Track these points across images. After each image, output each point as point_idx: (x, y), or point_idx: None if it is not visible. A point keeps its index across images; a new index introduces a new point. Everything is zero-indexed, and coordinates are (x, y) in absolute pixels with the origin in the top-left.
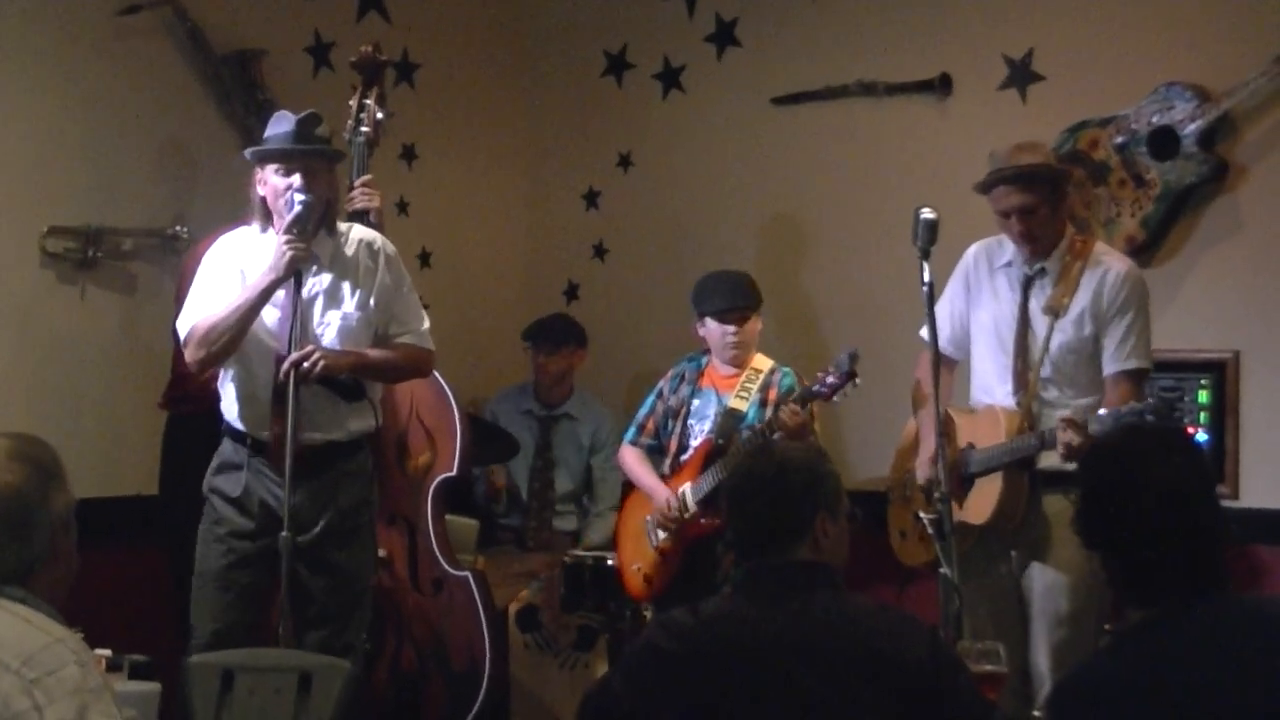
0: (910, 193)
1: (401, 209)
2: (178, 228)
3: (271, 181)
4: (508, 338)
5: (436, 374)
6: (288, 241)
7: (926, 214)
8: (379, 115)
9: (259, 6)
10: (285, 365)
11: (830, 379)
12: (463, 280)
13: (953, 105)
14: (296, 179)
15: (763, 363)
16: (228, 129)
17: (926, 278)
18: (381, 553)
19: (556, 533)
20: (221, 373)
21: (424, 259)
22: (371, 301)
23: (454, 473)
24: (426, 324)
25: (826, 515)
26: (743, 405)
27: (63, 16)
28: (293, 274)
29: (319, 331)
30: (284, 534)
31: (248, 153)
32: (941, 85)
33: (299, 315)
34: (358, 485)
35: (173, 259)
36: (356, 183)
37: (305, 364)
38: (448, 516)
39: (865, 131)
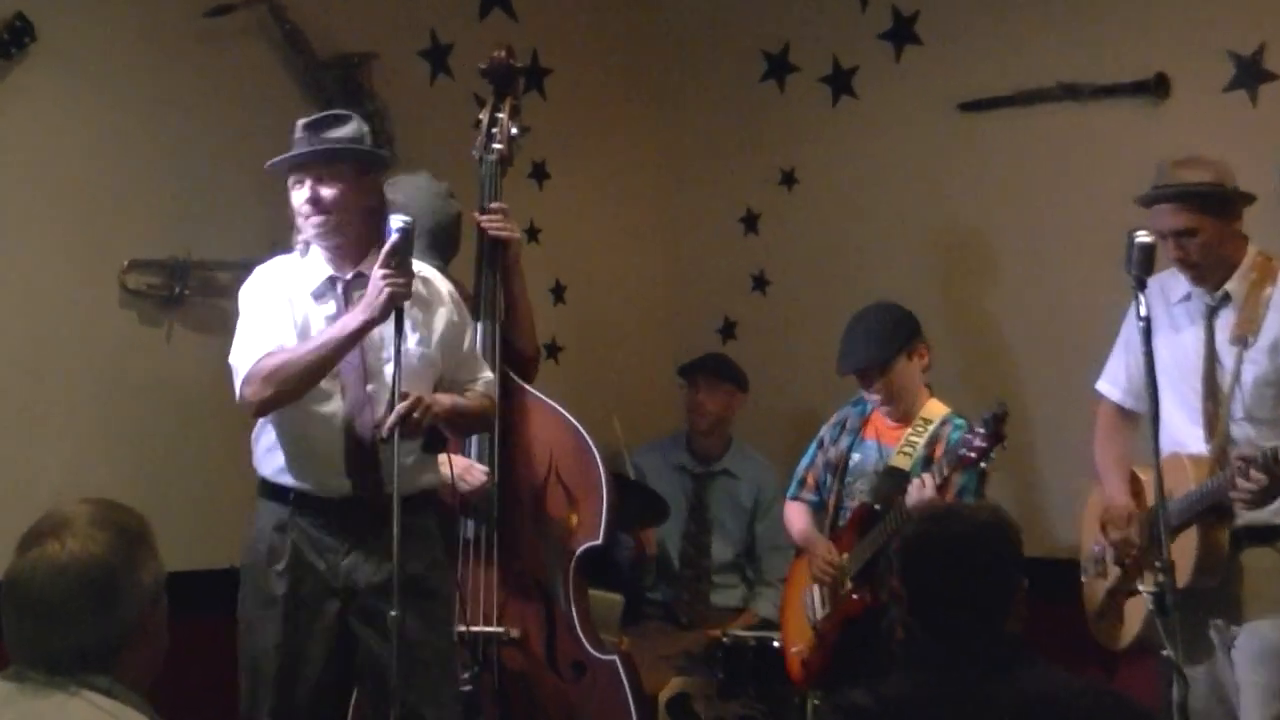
0: (1121, 211)
1: (531, 236)
2: None
3: (292, 198)
4: (654, 383)
5: (578, 425)
6: (385, 276)
7: (1142, 237)
8: (513, 130)
9: (367, 4)
10: (392, 419)
11: (977, 442)
12: (601, 317)
13: (1170, 109)
14: (307, 189)
15: (934, 410)
16: None
17: (1142, 311)
18: (515, 631)
19: (713, 608)
20: (261, 421)
21: (556, 293)
22: (434, 340)
23: (599, 540)
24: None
25: (1024, 581)
26: (905, 463)
27: (142, 19)
28: (390, 313)
29: (376, 369)
30: (392, 614)
31: (266, 166)
32: (1157, 86)
33: (401, 359)
34: (425, 545)
35: None
36: (491, 208)
37: (415, 414)
38: (589, 590)
39: (1069, 141)
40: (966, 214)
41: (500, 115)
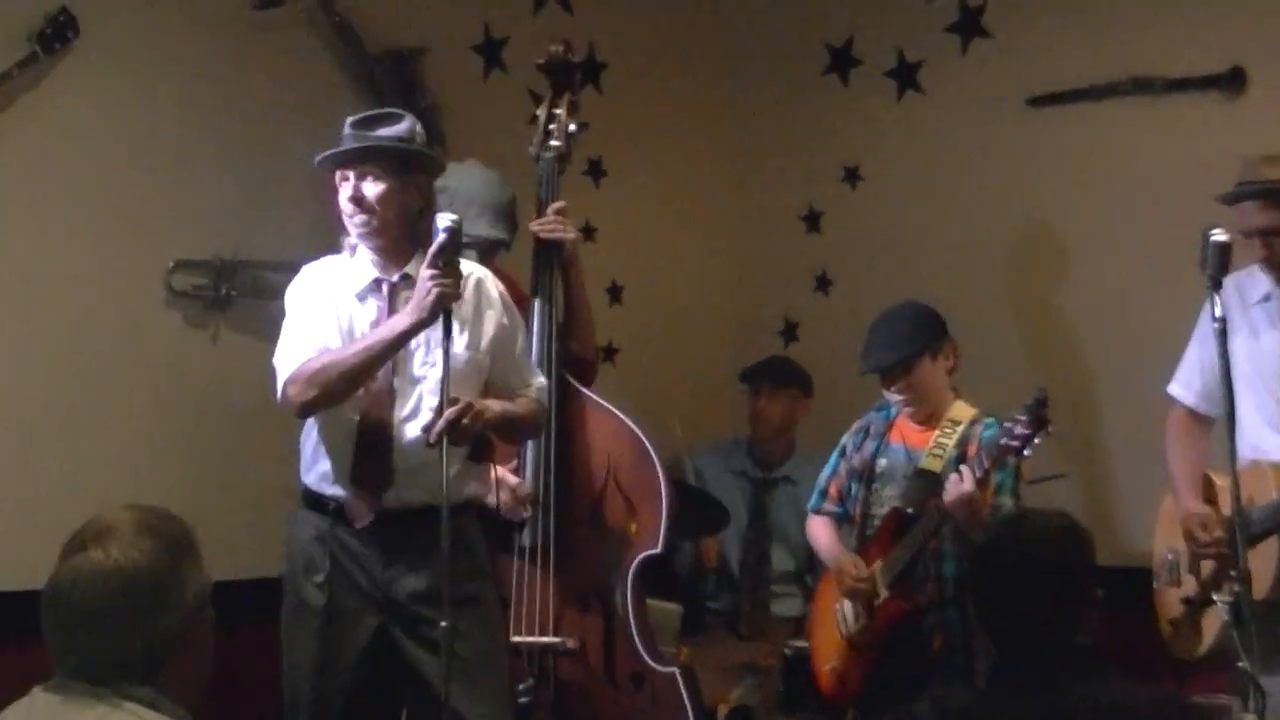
0: (1195, 209)
1: (587, 234)
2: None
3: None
4: (713, 386)
5: (637, 430)
6: (433, 277)
7: (1217, 236)
8: (571, 127)
9: None
10: (440, 424)
11: (1019, 429)
12: (659, 319)
13: (1246, 104)
14: (350, 187)
15: (962, 412)
16: None
17: (1217, 313)
18: (572, 642)
19: (774, 618)
20: (308, 425)
21: (613, 293)
22: (483, 344)
23: (658, 549)
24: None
25: (1096, 590)
26: (937, 465)
27: (188, 12)
28: (439, 315)
29: (420, 374)
30: (443, 624)
31: (316, 162)
32: (1232, 80)
33: (450, 363)
34: (468, 556)
35: None
36: (549, 209)
37: (465, 420)
38: (647, 600)
39: (1140, 136)
40: (1035, 211)
41: (558, 112)
